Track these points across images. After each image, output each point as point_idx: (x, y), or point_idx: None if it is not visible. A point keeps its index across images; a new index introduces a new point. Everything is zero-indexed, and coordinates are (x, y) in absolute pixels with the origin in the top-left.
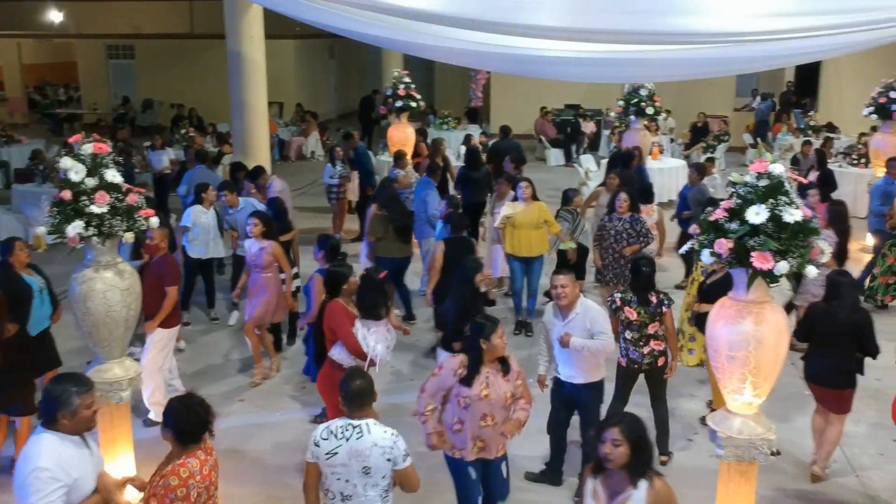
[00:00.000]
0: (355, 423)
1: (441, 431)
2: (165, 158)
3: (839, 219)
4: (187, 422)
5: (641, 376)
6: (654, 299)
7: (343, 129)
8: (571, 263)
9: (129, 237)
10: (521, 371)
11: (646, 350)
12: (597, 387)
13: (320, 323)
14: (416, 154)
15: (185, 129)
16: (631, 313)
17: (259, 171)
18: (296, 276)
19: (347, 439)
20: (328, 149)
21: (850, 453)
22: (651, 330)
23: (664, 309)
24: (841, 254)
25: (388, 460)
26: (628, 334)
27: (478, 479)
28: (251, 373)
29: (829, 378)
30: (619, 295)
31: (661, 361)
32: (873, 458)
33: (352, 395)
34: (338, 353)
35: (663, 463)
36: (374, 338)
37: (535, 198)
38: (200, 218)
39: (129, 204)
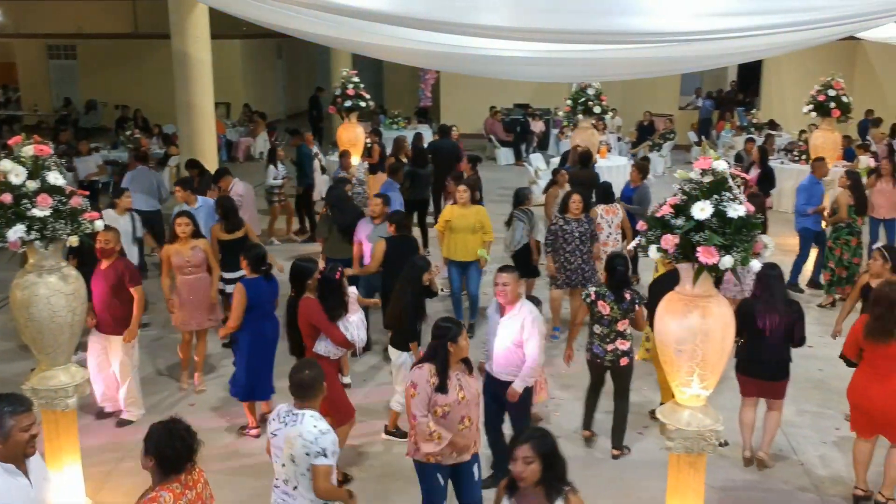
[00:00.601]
0: (296, 411)
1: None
2: (92, 164)
3: (757, 211)
4: (172, 447)
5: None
6: (628, 296)
7: (291, 129)
8: (525, 261)
9: (73, 241)
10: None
11: (609, 347)
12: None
13: (293, 320)
14: (367, 154)
15: (130, 130)
16: (604, 307)
17: (221, 173)
18: None
19: (286, 425)
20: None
21: (795, 442)
22: (620, 327)
23: (636, 307)
24: None
25: (307, 454)
26: (598, 328)
27: (445, 485)
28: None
29: (765, 370)
30: (594, 289)
31: (623, 361)
32: (816, 446)
33: (296, 386)
34: (324, 348)
35: (615, 457)
36: (354, 325)
37: (474, 202)
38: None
39: (72, 207)
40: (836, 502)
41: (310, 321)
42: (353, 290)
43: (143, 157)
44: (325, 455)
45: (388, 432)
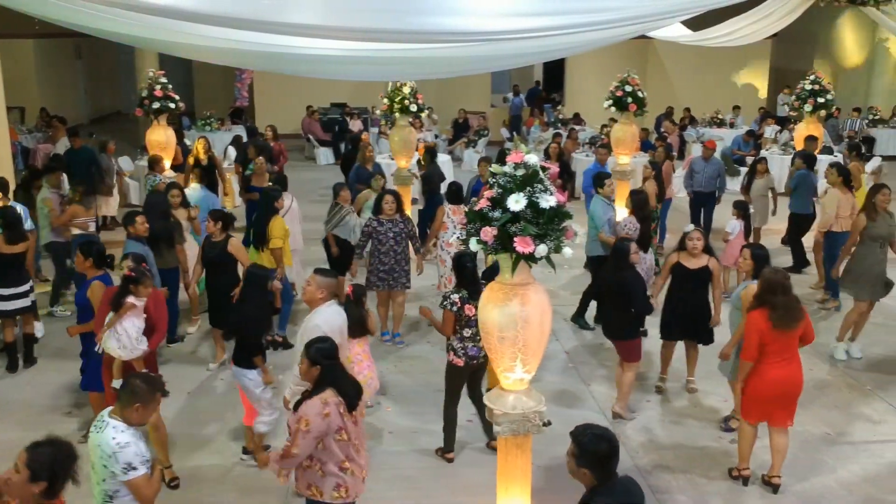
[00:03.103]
0: (106, 419)
1: None
2: None
3: (641, 206)
4: (65, 469)
5: None
6: None
7: (71, 130)
8: (336, 259)
9: None
10: (304, 418)
11: (482, 344)
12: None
13: None
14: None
15: None
16: (470, 309)
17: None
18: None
19: (95, 430)
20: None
21: (610, 415)
22: None
23: None
24: (643, 236)
25: (105, 466)
26: (467, 332)
27: None
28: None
29: (611, 331)
30: (456, 295)
31: None
32: (634, 419)
33: (118, 391)
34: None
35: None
36: (121, 330)
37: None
38: None
39: None
40: (649, 469)
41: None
42: (132, 300)
43: None
44: (135, 468)
45: (246, 452)
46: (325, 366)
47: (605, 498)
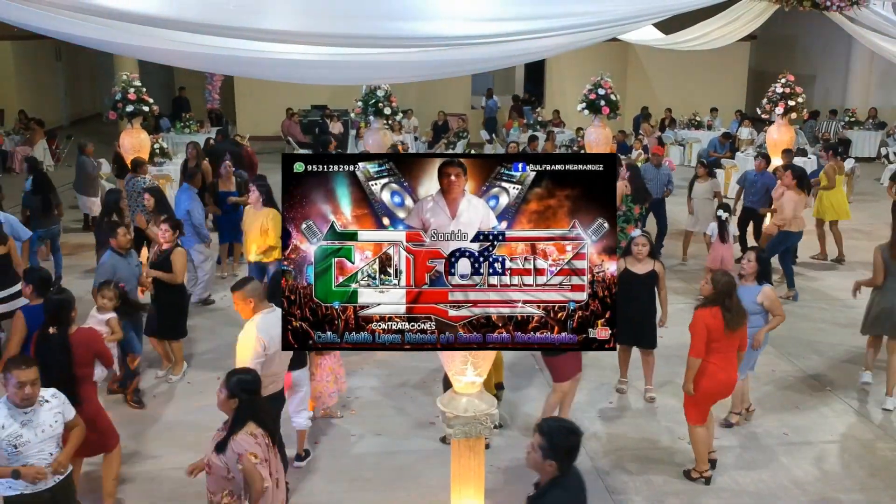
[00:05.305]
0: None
1: None
2: None
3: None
4: None
5: None
6: None
7: (73, 136)
8: None
9: None
10: (247, 453)
11: None
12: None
13: (61, 358)
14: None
15: None
16: None
17: None
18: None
19: None
20: (57, 158)
21: (574, 417)
22: None
23: None
24: None
25: None
26: None
27: None
28: None
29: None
30: None
31: None
32: (593, 420)
33: None
34: (101, 373)
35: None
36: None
37: (268, 203)
38: None
39: None
40: (607, 470)
41: (94, 350)
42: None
43: None
44: None
45: None
46: (242, 399)
47: (562, 490)
